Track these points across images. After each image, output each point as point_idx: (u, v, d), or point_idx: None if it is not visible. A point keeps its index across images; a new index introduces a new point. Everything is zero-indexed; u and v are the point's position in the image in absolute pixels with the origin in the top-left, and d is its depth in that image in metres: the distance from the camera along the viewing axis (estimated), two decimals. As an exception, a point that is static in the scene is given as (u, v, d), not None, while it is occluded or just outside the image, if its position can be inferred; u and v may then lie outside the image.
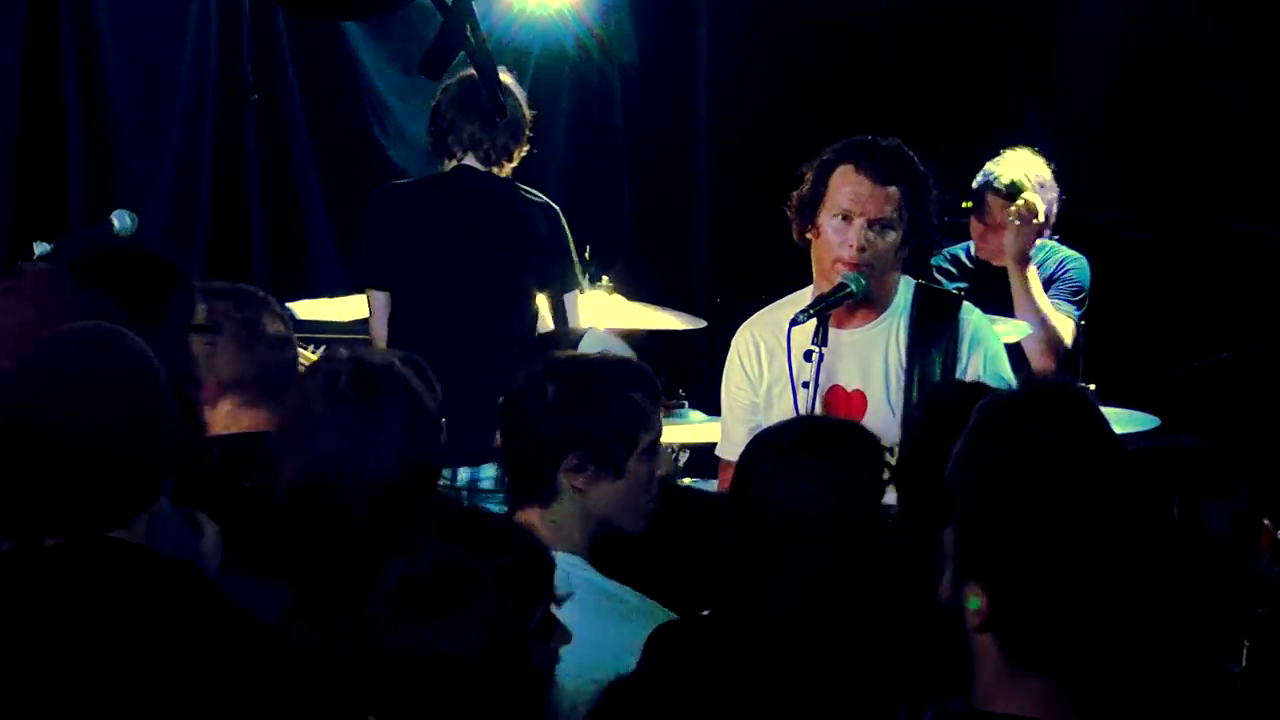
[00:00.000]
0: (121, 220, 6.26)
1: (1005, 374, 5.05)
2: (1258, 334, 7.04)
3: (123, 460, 3.03)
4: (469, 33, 5.79)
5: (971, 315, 5.12)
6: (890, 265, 5.03)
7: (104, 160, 7.45)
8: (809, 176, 5.09)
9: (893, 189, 4.99)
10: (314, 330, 6.36)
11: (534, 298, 6.34)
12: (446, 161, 6.37)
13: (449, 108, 6.31)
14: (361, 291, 6.44)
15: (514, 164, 6.37)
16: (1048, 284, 6.73)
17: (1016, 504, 2.71)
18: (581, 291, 6.48)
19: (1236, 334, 7.12)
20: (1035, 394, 2.85)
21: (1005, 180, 6.78)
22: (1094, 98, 8.40)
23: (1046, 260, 6.82)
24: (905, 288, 5.12)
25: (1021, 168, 6.82)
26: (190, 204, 7.65)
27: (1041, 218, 6.63)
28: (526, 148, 6.40)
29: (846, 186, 5.02)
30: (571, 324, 6.26)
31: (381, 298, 6.30)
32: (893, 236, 4.98)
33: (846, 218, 4.99)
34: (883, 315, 5.08)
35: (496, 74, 6.05)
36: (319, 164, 7.93)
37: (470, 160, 6.32)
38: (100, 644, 2.93)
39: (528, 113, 6.38)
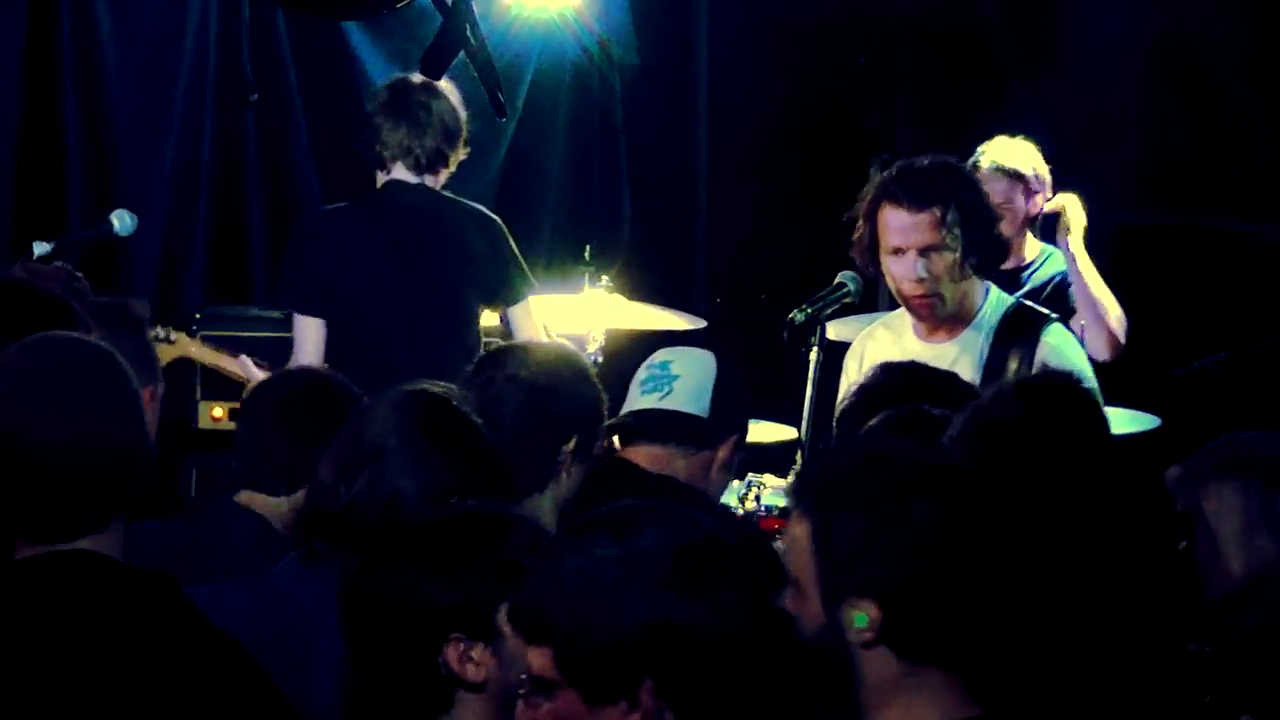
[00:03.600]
0: (121, 220, 6.27)
1: None
2: (1258, 334, 7.03)
3: (97, 469, 2.98)
4: (469, 33, 5.80)
5: (1052, 337, 5.04)
6: (955, 282, 5.01)
7: (103, 160, 7.45)
8: (859, 220, 5.08)
9: (934, 210, 4.97)
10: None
11: (478, 315, 6.10)
12: (378, 174, 6.11)
13: (375, 114, 6.08)
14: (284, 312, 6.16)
15: (451, 170, 6.12)
16: (1061, 292, 6.68)
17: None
18: (523, 298, 6.17)
19: (1237, 334, 7.11)
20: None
21: (987, 163, 6.75)
22: (1097, 96, 8.40)
23: (1049, 266, 6.79)
24: (996, 304, 5.08)
25: (1005, 154, 6.78)
26: (190, 204, 7.64)
27: (1067, 218, 6.57)
28: (465, 152, 6.15)
29: (893, 223, 5.03)
30: (522, 336, 5.98)
31: (311, 324, 5.96)
32: (949, 257, 4.97)
33: (899, 252, 5.01)
34: (965, 330, 5.05)
35: (496, 74, 6.04)
36: (319, 164, 7.92)
37: (400, 170, 6.05)
38: (70, 656, 2.89)
39: (463, 114, 6.10)
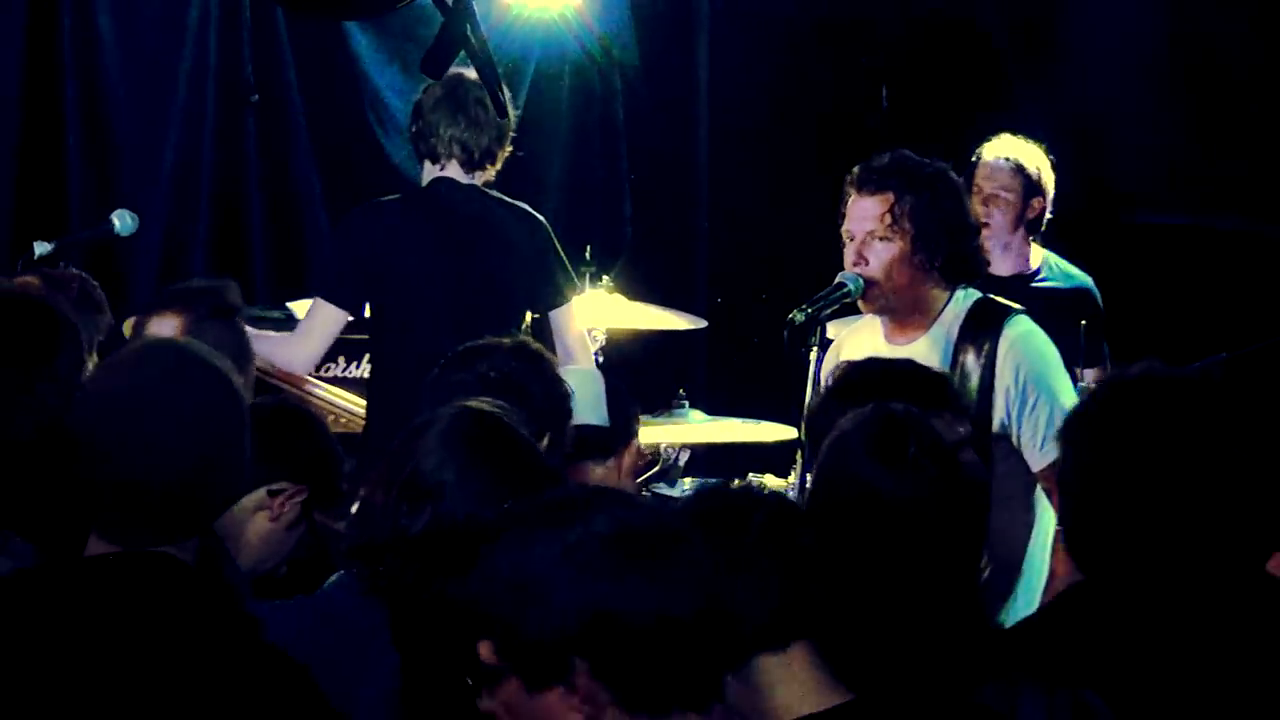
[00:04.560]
0: (122, 220, 6.26)
1: (1043, 387, 4.95)
2: (1258, 334, 7.04)
3: (191, 480, 2.97)
4: (469, 33, 5.79)
5: (1015, 327, 5.00)
6: (905, 277, 4.97)
7: (104, 160, 7.46)
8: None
9: (884, 196, 4.96)
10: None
11: (523, 316, 6.08)
12: (428, 165, 6.09)
13: (431, 109, 6.05)
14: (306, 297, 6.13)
15: (497, 167, 6.11)
16: (1083, 298, 6.68)
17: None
18: (567, 300, 6.14)
19: (1237, 334, 7.12)
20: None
21: (990, 153, 6.74)
22: (1097, 95, 8.40)
23: (1055, 278, 6.77)
24: (961, 301, 5.04)
25: (1011, 148, 6.78)
26: (190, 204, 7.65)
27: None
28: (510, 150, 6.14)
29: (849, 208, 5.05)
30: (565, 339, 5.99)
31: (330, 312, 5.94)
32: (894, 248, 4.95)
33: (851, 238, 5.02)
34: (928, 329, 5.03)
35: (497, 74, 6.01)
36: (319, 164, 7.92)
37: (452, 166, 6.04)
38: (124, 658, 2.88)
39: (512, 114, 6.06)
